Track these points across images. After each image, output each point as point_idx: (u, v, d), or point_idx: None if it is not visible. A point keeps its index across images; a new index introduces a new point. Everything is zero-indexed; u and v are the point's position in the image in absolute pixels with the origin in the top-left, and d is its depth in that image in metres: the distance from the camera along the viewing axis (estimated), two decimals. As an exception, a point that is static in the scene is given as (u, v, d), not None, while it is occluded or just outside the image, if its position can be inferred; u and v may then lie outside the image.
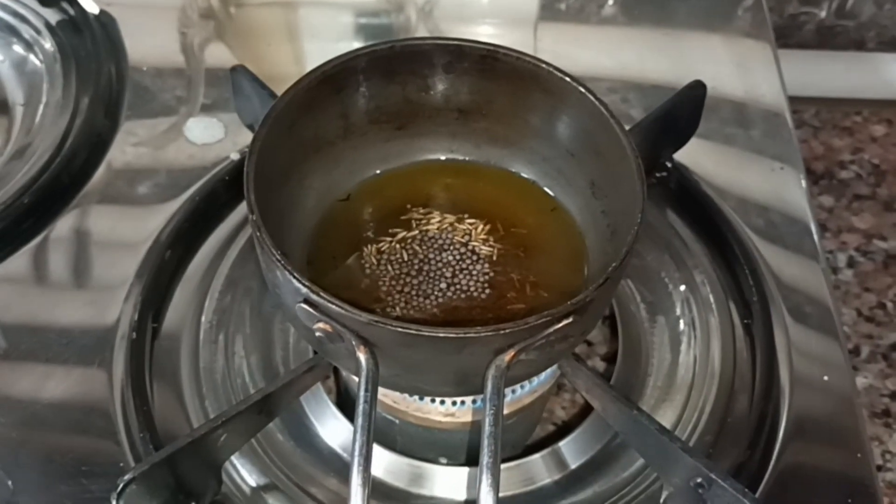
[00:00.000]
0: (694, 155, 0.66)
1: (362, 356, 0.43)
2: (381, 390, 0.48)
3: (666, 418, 0.57)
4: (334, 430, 0.56)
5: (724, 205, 0.65)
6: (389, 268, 0.51)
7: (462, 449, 0.55)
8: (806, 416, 0.56)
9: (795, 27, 0.93)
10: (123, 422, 0.54)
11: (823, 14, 0.92)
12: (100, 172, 0.67)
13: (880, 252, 0.76)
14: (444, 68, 0.53)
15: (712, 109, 0.66)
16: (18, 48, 0.74)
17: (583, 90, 0.51)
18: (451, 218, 0.53)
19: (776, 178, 0.68)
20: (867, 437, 0.56)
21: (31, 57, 0.73)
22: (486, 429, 0.43)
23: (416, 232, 0.53)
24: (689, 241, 0.65)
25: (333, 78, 0.51)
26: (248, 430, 0.51)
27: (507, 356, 0.43)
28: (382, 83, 0.53)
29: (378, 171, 0.56)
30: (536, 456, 0.55)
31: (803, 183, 0.68)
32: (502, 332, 0.42)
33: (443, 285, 0.50)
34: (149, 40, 0.76)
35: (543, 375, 0.52)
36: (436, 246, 0.52)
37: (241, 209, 0.64)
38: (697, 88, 0.62)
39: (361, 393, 0.43)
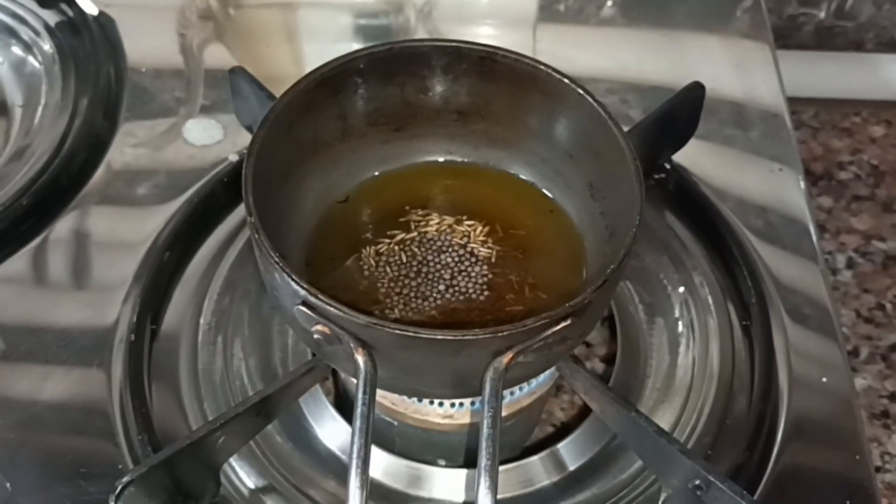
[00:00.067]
0: (692, 156, 0.66)
1: (360, 358, 0.43)
2: (379, 392, 0.48)
3: (664, 420, 0.57)
4: (333, 431, 0.56)
5: (723, 206, 0.65)
6: (388, 270, 0.51)
7: (460, 451, 0.55)
8: (804, 417, 0.56)
9: (794, 28, 0.93)
10: (122, 423, 0.54)
11: (822, 15, 0.92)
12: (99, 174, 0.67)
13: (879, 253, 0.76)
14: (443, 70, 0.53)
15: (711, 110, 0.66)
16: (17, 49, 0.74)
17: (581, 92, 0.51)
18: (449, 220, 0.53)
19: (775, 179, 0.68)
20: (866, 438, 0.56)
21: (30, 58, 0.73)
22: (485, 431, 0.43)
23: (415, 234, 0.53)
24: (688, 243, 0.65)
25: (332, 80, 0.51)
26: (246, 432, 0.51)
27: (506, 358, 0.43)
28: (381, 85, 0.53)
29: (376, 173, 0.56)
30: (535, 458, 0.55)
31: (802, 184, 0.68)
32: (500, 334, 0.42)
33: (441, 287, 0.50)
34: (148, 41, 0.76)
35: (542, 377, 0.52)
36: (434, 248, 0.52)
37: (240, 211, 0.64)
38: (696, 90, 0.62)
39: (360, 395, 0.43)
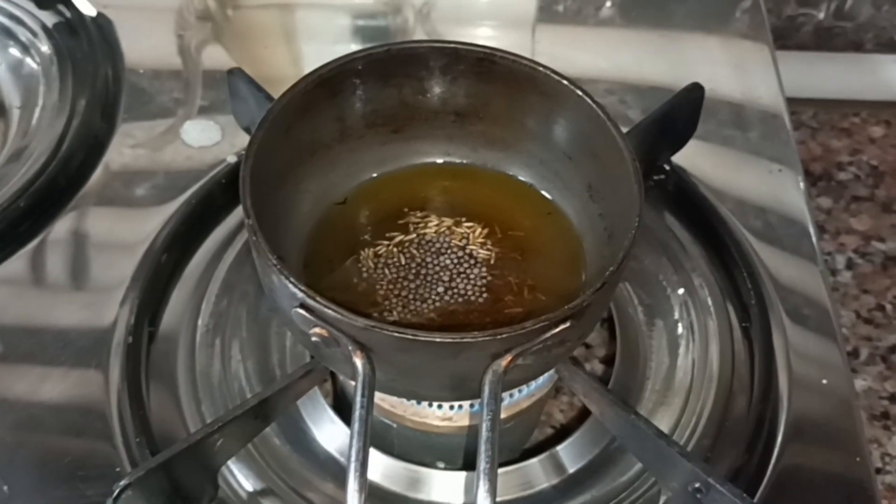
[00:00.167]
0: (692, 157, 0.66)
1: (359, 361, 0.43)
2: (378, 394, 0.48)
3: (664, 422, 0.57)
4: (331, 434, 0.56)
5: (722, 207, 0.65)
6: (386, 271, 0.51)
7: (459, 453, 0.55)
8: (804, 418, 0.56)
9: (793, 28, 0.93)
10: (120, 426, 0.54)
11: (821, 15, 0.92)
12: (97, 175, 0.67)
13: (879, 254, 0.76)
14: (441, 71, 0.53)
15: (710, 111, 0.66)
16: (15, 51, 0.74)
17: (580, 93, 0.51)
18: (448, 221, 0.53)
19: (774, 180, 0.68)
20: (866, 439, 0.56)
21: (28, 59, 0.73)
22: (484, 434, 0.43)
23: (414, 235, 0.53)
24: (687, 244, 0.65)
25: (330, 81, 0.51)
26: (244, 435, 0.51)
27: (505, 361, 0.43)
28: (379, 86, 0.53)
29: (375, 175, 0.56)
30: (534, 460, 0.55)
31: (801, 184, 0.68)
32: (499, 336, 0.42)
33: (440, 289, 0.50)
34: (146, 42, 0.76)
35: (541, 379, 0.52)
36: (433, 249, 0.52)
37: (238, 212, 0.64)
38: (695, 91, 0.61)
39: (358, 398, 0.43)
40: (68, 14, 0.75)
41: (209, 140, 0.69)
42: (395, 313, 0.49)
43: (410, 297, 0.50)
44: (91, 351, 0.57)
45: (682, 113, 0.62)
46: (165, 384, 0.57)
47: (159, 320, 0.60)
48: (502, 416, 0.46)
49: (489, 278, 0.51)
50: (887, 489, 0.63)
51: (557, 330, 0.43)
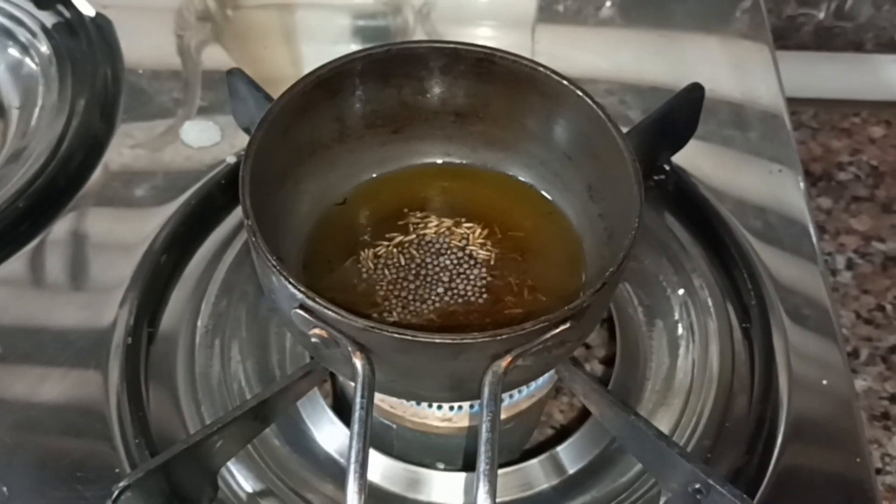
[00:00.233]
0: (691, 157, 0.66)
1: (358, 362, 0.43)
2: (377, 395, 0.48)
3: (664, 423, 0.56)
4: (331, 434, 0.56)
5: (722, 207, 0.65)
6: (386, 272, 0.51)
7: (459, 454, 0.54)
8: (804, 419, 0.56)
9: (794, 28, 0.93)
10: (119, 426, 0.54)
11: (822, 15, 0.92)
12: (96, 175, 0.67)
13: (879, 254, 0.76)
14: (441, 71, 0.53)
15: (710, 111, 0.66)
16: (14, 51, 0.74)
17: (580, 93, 0.51)
18: (448, 222, 0.53)
19: (774, 180, 0.68)
20: (866, 440, 0.56)
21: (27, 60, 0.73)
22: (483, 435, 0.42)
23: (414, 236, 0.53)
24: (687, 245, 0.64)
25: (329, 82, 0.51)
26: (244, 436, 0.51)
27: (504, 362, 0.43)
28: (378, 87, 0.53)
29: (374, 175, 0.56)
30: (534, 461, 0.55)
31: (801, 185, 0.68)
32: (499, 337, 0.42)
33: (440, 290, 0.50)
34: (145, 43, 0.76)
35: (541, 380, 0.52)
36: (433, 250, 0.52)
37: (238, 212, 0.64)
38: (695, 91, 0.61)
39: (358, 399, 0.43)
40: (67, 14, 0.74)
41: (208, 140, 0.69)
42: (394, 314, 0.49)
43: (410, 297, 0.50)
44: (90, 352, 0.57)
45: (682, 113, 0.62)
46: (165, 385, 0.57)
47: (159, 321, 0.60)
48: (502, 416, 0.46)
49: (489, 279, 0.51)
50: (887, 490, 0.63)
51: (557, 331, 0.43)
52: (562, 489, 0.55)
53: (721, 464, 0.54)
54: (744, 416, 0.56)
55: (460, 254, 0.52)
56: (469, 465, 0.55)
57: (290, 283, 0.43)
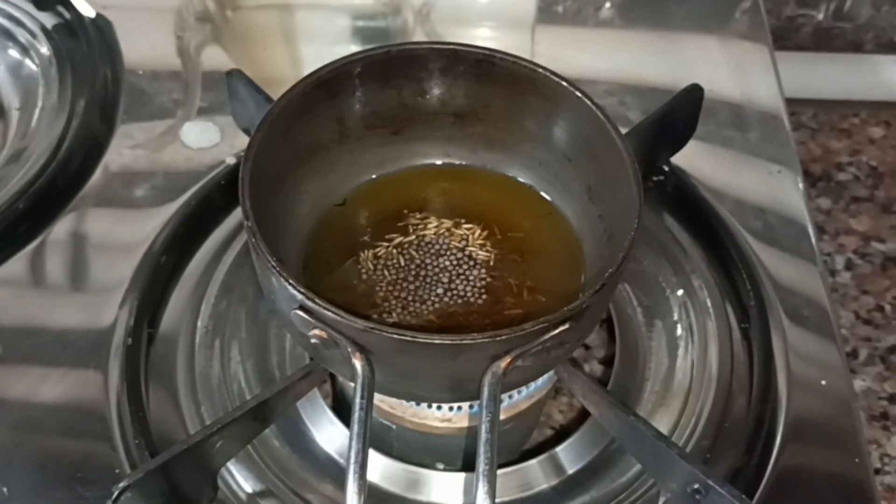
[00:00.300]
0: (691, 158, 0.66)
1: (358, 363, 0.43)
2: (377, 396, 0.48)
3: (663, 423, 0.57)
4: (330, 435, 0.56)
5: (722, 208, 0.65)
6: (386, 273, 0.51)
7: (459, 454, 0.55)
8: (804, 419, 0.56)
9: (793, 29, 0.93)
10: (119, 427, 0.54)
11: (821, 16, 0.92)
12: (96, 176, 0.67)
13: (878, 254, 0.76)
14: (440, 73, 0.53)
15: (709, 112, 0.66)
16: (14, 52, 0.74)
17: (579, 94, 0.51)
18: (447, 223, 0.53)
19: (773, 181, 0.68)
20: (865, 440, 0.56)
21: (27, 61, 0.73)
22: (483, 435, 0.43)
23: (413, 237, 0.53)
24: (687, 245, 0.64)
25: (328, 83, 0.51)
26: (243, 437, 0.51)
27: (504, 362, 0.43)
28: (378, 88, 0.53)
29: (374, 176, 0.56)
30: (533, 461, 0.55)
31: (801, 185, 0.68)
32: (498, 338, 0.42)
33: (440, 290, 0.50)
34: (145, 43, 0.76)
35: (540, 380, 0.52)
36: (433, 251, 0.52)
37: (237, 213, 0.64)
38: (695, 92, 0.61)
39: (357, 400, 0.43)
40: (67, 15, 0.74)
41: (208, 141, 0.69)
42: (394, 315, 0.49)
43: (410, 298, 0.50)
44: (90, 352, 0.57)
45: (681, 114, 0.62)
46: (165, 386, 0.57)
47: (158, 322, 0.60)
48: (501, 417, 0.46)
49: (488, 280, 0.51)
50: (886, 490, 0.63)
51: (557, 331, 0.43)
52: (561, 489, 0.55)
53: (720, 464, 0.54)
54: (743, 416, 0.56)
55: (460, 255, 0.52)
56: (468, 466, 0.55)
57: (289, 284, 0.43)
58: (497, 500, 0.42)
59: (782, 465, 0.54)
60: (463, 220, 0.54)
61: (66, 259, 0.62)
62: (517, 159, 0.56)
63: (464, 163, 0.57)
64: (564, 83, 0.51)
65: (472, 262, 0.52)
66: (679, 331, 0.61)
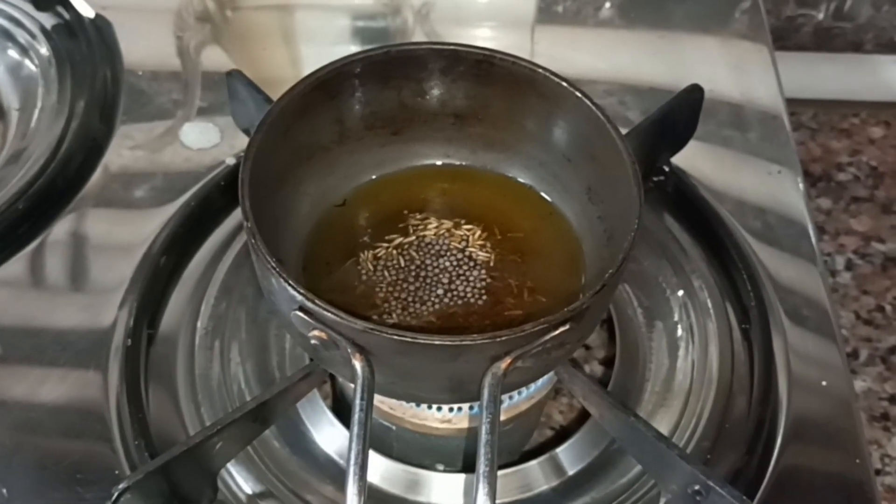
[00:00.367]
0: (691, 158, 0.66)
1: (358, 364, 0.43)
2: (377, 397, 0.48)
3: (663, 424, 0.56)
4: (330, 436, 0.56)
5: (722, 208, 0.65)
6: (386, 274, 0.51)
7: (459, 455, 0.54)
8: (804, 420, 0.56)
9: (793, 29, 0.93)
10: (119, 428, 0.54)
11: (821, 16, 0.92)
12: (96, 176, 0.67)
13: (878, 255, 0.76)
14: (440, 73, 0.53)
15: (709, 112, 0.66)
16: (13, 53, 0.74)
17: (579, 95, 0.51)
18: (447, 223, 0.53)
19: (774, 181, 0.68)
20: (865, 440, 0.56)
21: (27, 61, 0.73)
22: (483, 437, 0.42)
23: (413, 238, 0.53)
24: (687, 246, 0.64)
25: (328, 83, 0.51)
26: (243, 438, 0.51)
27: (504, 363, 0.43)
28: (378, 88, 0.53)
29: (374, 177, 0.56)
30: (534, 462, 0.55)
31: (801, 185, 0.68)
32: (498, 339, 0.42)
33: (440, 291, 0.50)
34: (144, 44, 0.76)
35: (541, 381, 0.52)
36: (433, 252, 0.52)
37: (237, 214, 0.64)
38: (695, 92, 0.61)
39: (357, 401, 0.43)
40: (67, 16, 0.74)
41: (208, 142, 0.69)
42: (394, 316, 0.49)
43: (410, 299, 0.50)
44: (90, 353, 0.57)
45: (681, 114, 0.62)
46: (164, 386, 0.57)
47: (158, 322, 0.60)
48: (502, 418, 0.46)
49: (488, 280, 0.51)
50: (887, 490, 0.63)
51: (557, 332, 0.43)
52: (561, 490, 0.55)
53: (721, 465, 0.54)
54: (743, 417, 0.56)
55: (460, 255, 0.52)
56: (469, 467, 0.55)
57: (289, 285, 0.43)
58: (497, 502, 0.42)
59: (783, 465, 0.54)
60: (463, 221, 0.53)
61: (65, 260, 0.62)
62: (517, 160, 0.56)
63: (464, 163, 0.57)
64: (564, 83, 0.51)
65: (472, 263, 0.52)
66: (679, 331, 0.61)
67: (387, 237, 0.53)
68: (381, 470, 0.54)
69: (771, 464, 0.54)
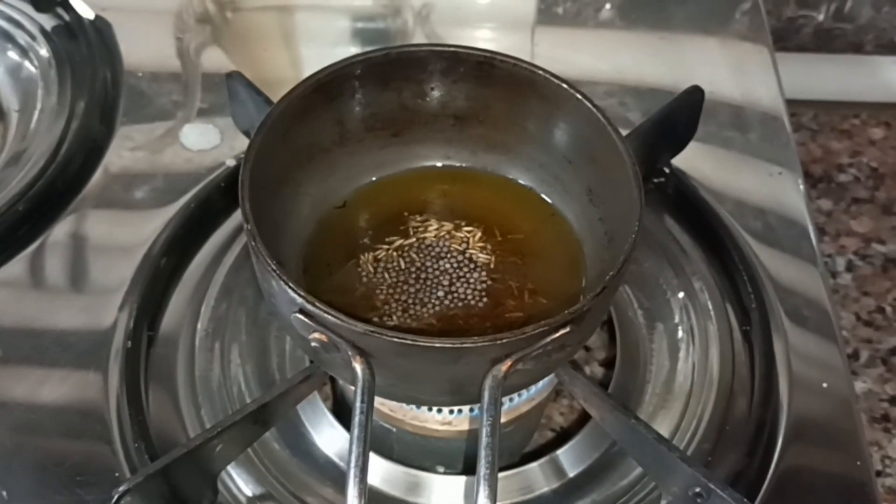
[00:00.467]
0: (691, 159, 0.66)
1: (358, 366, 0.43)
2: (377, 399, 0.47)
3: (664, 426, 0.56)
4: (331, 438, 0.56)
5: (722, 209, 0.65)
6: (386, 276, 0.51)
7: (459, 457, 0.54)
8: (805, 421, 0.56)
9: (793, 30, 0.93)
10: (119, 430, 0.54)
11: (821, 17, 0.92)
12: (96, 178, 0.67)
13: (879, 256, 0.76)
14: (440, 75, 0.53)
15: (710, 113, 0.66)
16: (13, 54, 0.73)
17: (579, 97, 0.51)
18: (448, 225, 0.53)
19: (774, 182, 0.68)
20: (866, 442, 0.56)
21: (27, 63, 0.73)
22: (483, 439, 0.42)
23: (414, 240, 0.53)
24: (687, 247, 0.64)
25: (328, 85, 0.51)
26: (243, 440, 0.51)
27: (504, 366, 0.43)
28: (378, 90, 0.53)
29: (374, 178, 0.56)
30: (534, 464, 0.55)
31: (801, 186, 0.68)
32: (499, 341, 0.42)
33: (440, 293, 0.50)
34: (144, 45, 0.75)
35: (541, 383, 0.52)
36: (433, 254, 0.52)
37: (237, 215, 0.63)
38: (695, 94, 0.61)
39: (357, 403, 0.42)
40: (67, 17, 0.74)
41: (208, 143, 0.69)
42: (394, 318, 0.49)
43: (410, 301, 0.50)
44: (90, 354, 0.57)
45: (681, 116, 0.62)
46: (165, 388, 0.57)
47: (158, 324, 0.59)
48: (502, 420, 0.46)
49: (489, 282, 0.51)
50: (888, 492, 0.63)
51: (557, 335, 0.43)
52: (562, 493, 0.55)
53: (721, 467, 0.54)
54: (744, 418, 0.56)
55: (460, 257, 0.52)
56: (469, 469, 0.55)
57: (289, 287, 0.43)
58: (498, 504, 0.42)
59: (784, 467, 0.54)
60: (463, 223, 0.53)
61: (65, 261, 0.62)
62: (517, 161, 0.56)
63: (464, 165, 0.57)
64: (565, 85, 0.51)
65: (472, 265, 0.52)
66: (680, 333, 0.61)
67: (387, 239, 0.53)
68: (381, 472, 0.54)
69: (772, 465, 0.54)
